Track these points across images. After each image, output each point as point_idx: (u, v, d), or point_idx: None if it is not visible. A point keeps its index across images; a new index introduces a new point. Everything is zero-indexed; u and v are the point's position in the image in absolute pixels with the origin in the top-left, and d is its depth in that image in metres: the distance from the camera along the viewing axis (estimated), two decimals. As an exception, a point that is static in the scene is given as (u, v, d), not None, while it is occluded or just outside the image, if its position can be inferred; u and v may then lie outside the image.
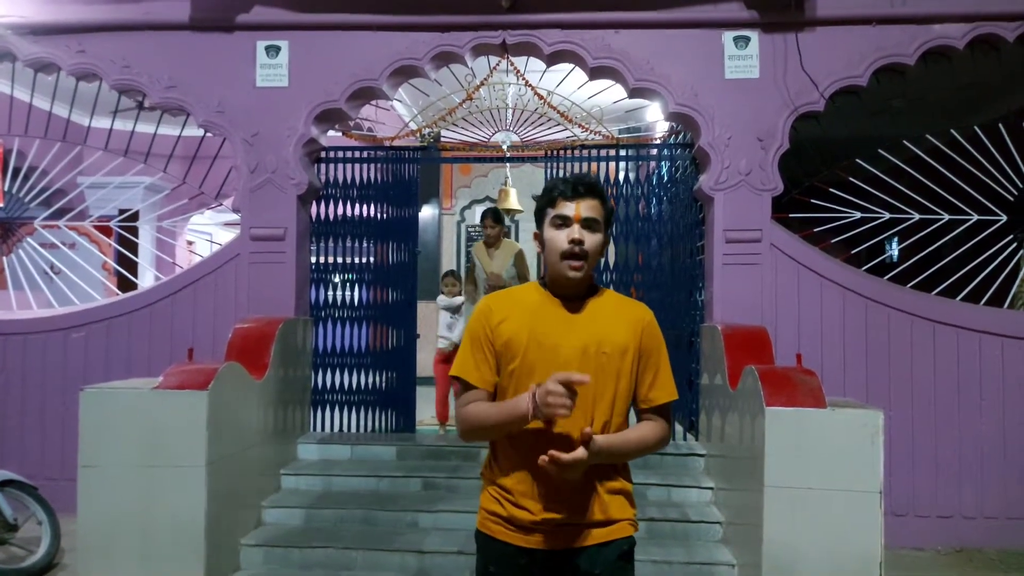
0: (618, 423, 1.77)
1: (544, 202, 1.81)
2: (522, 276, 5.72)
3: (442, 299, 6.17)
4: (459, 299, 5.87)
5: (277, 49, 5.02)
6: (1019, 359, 4.67)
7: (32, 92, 5.34)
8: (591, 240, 1.75)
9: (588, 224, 1.75)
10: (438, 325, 6.40)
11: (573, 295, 1.81)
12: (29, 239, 5.71)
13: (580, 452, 1.60)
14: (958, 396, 4.68)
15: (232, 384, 4.02)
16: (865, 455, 3.39)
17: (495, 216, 5.50)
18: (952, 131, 5.03)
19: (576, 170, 5.55)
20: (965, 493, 4.63)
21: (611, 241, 1.93)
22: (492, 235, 5.56)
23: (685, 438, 5.08)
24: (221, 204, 5.80)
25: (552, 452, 1.59)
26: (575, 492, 1.72)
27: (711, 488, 4.52)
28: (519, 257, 5.52)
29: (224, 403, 3.87)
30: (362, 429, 5.50)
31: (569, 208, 1.75)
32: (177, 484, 3.66)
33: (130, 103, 5.48)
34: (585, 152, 5.60)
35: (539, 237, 1.84)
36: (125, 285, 6.31)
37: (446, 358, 5.93)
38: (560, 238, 1.75)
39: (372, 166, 5.64)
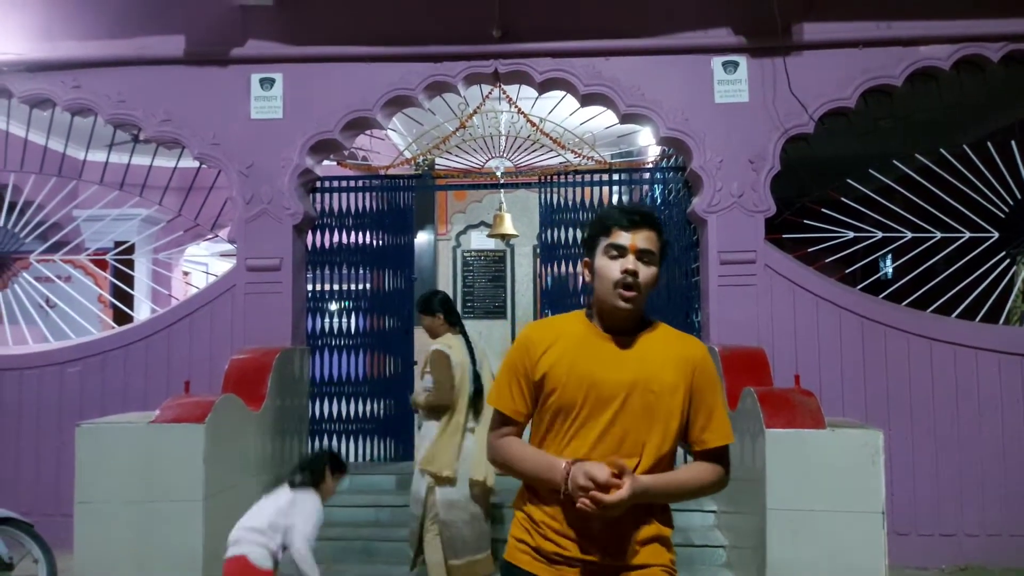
0: (665, 466, 1.70)
1: (597, 230, 1.73)
2: (438, 386, 3.76)
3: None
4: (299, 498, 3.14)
5: (271, 81, 5.07)
6: (1016, 375, 4.68)
7: (27, 127, 5.37)
8: (645, 273, 1.68)
9: (643, 256, 1.68)
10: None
11: (622, 328, 1.72)
12: (24, 273, 5.71)
13: (622, 492, 1.52)
14: (957, 413, 4.68)
15: (229, 416, 4.00)
16: (866, 475, 3.39)
17: (418, 308, 4.03)
18: (941, 150, 5.09)
19: (570, 194, 5.59)
20: (967, 510, 4.61)
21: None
22: (425, 329, 4.02)
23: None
24: (217, 235, 5.82)
25: (594, 493, 1.52)
26: (607, 533, 1.64)
27: (714, 511, 4.49)
28: (428, 363, 3.80)
29: (222, 436, 3.85)
30: (361, 458, 5.47)
31: (625, 238, 1.67)
32: (175, 519, 3.63)
33: (125, 136, 5.51)
34: (578, 177, 5.64)
35: (589, 265, 1.76)
36: (121, 318, 6.30)
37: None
38: (613, 268, 1.67)
39: (367, 194, 5.67)
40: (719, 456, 1.73)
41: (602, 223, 1.73)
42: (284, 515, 3.01)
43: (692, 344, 1.77)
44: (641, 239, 1.68)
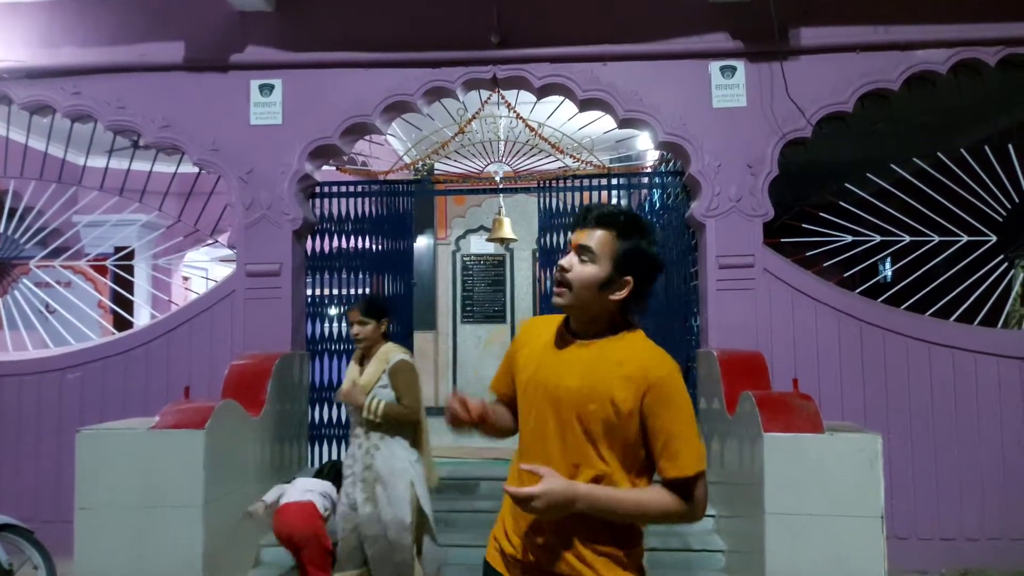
0: (618, 483, 1.61)
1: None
2: (401, 399, 3.44)
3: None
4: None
5: (271, 87, 5.09)
6: (1015, 378, 4.68)
7: (27, 133, 5.39)
8: (579, 271, 1.61)
9: (582, 252, 1.62)
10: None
11: (584, 332, 1.67)
12: (24, 279, 5.72)
13: (530, 489, 1.51)
14: (956, 417, 4.68)
15: (229, 422, 4.00)
16: (865, 479, 3.39)
17: (364, 309, 3.53)
18: (939, 154, 5.10)
19: (568, 199, 5.60)
20: (967, 514, 4.61)
21: (631, 285, 1.65)
22: (360, 334, 3.51)
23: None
24: (216, 240, 5.83)
25: (505, 486, 1.57)
26: (553, 539, 1.62)
27: (712, 516, 4.49)
28: (395, 374, 3.43)
29: (221, 441, 3.85)
30: (360, 463, 5.46)
31: (573, 235, 1.66)
32: (174, 524, 3.64)
33: (125, 142, 5.53)
34: (577, 182, 5.66)
35: None
36: (121, 324, 6.30)
37: None
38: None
39: (367, 199, 5.69)
40: (679, 488, 1.57)
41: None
42: (333, 500, 3.82)
43: (652, 361, 1.60)
44: (585, 236, 1.62)
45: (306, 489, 3.80)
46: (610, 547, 1.61)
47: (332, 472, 3.96)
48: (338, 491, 3.70)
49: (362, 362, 3.56)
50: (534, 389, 1.68)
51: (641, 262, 1.64)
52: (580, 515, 1.55)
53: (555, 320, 1.78)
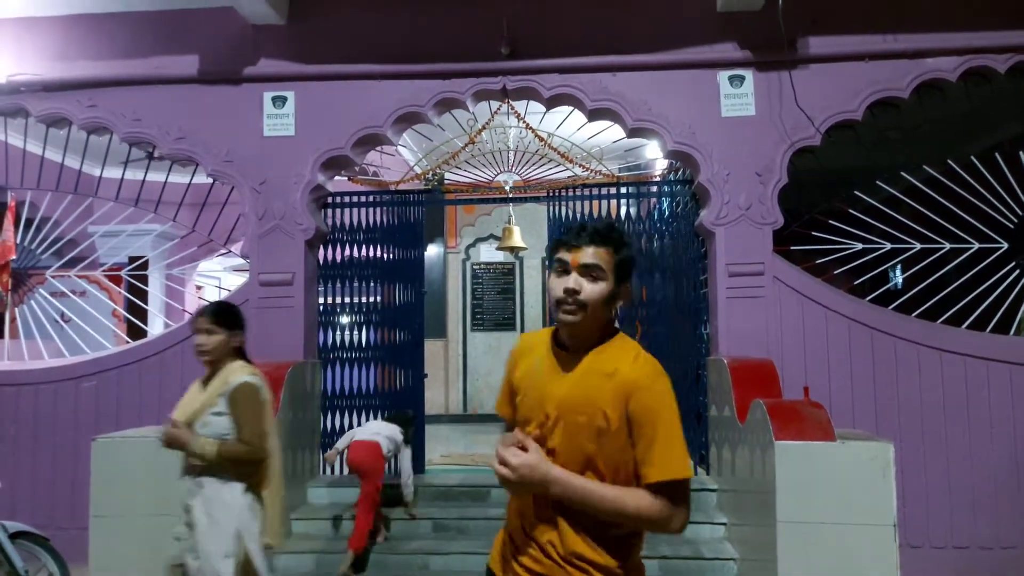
0: None
1: (552, 246, 1.73)
2: (240, 433, 2.77)
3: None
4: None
5: (284, 99, 5.15)
6: (1027, 386, 4.66)
7: (44, 145, 5.47)
8: (590, 289, 1.62)
9: (589, 271, 1.62)
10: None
11: (575, 346, 1.68)
12: (40, 289, 5.79)
13: (510, 457, 1.53)
14: (968, 424, 4.66)
15: (242, 430, 4.03)
16: (877, 487, 3.39)
17: (213, 316, 2.92)
18: (948, 161, 5.09)
19: (578, 208, 5.63)
20: (980, 522, 4.58)
21: (629, 291, 1.72)
22: (204, 346, 2.89)
23: (696, 472, 5.06)
24: (230, 250, 5.89)
25: (500, 449, 1.57)
26: (535, 541, 1.63)
27: (724, 524, 4.49)
28: (235, 401, 2.79)
29: (235, 449, 3.88)
30: (372, 471, 5.48)
31: (568, 255, 1.65)
32: (188, 532, 3.66)
33: (140, 154, 5.60)
34: (587, 190, 5.69)
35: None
36: (135, 333, 6.37)
37: None
38: (557, 285, 1.64)
39: (378, 209, 5.74)
40: (660, 491, 1.54)
41: (556, 240, 1.72)
42: (398, 443, 4.69)
43: (634, 366, 1.61)
44: (585, 255, 1.63)
45: (374, 431, 4.62)
46: (597, 559, 1.58)
47: (402, 418, 4.83)
48: (405, 437, 4.69)
49: (207, 382, 2.91)
50: (533, 399, 1.69)
51: (629, 268, 1.72)
52: (567, 523, 1.57)
53: (541, 334, 1.80)
